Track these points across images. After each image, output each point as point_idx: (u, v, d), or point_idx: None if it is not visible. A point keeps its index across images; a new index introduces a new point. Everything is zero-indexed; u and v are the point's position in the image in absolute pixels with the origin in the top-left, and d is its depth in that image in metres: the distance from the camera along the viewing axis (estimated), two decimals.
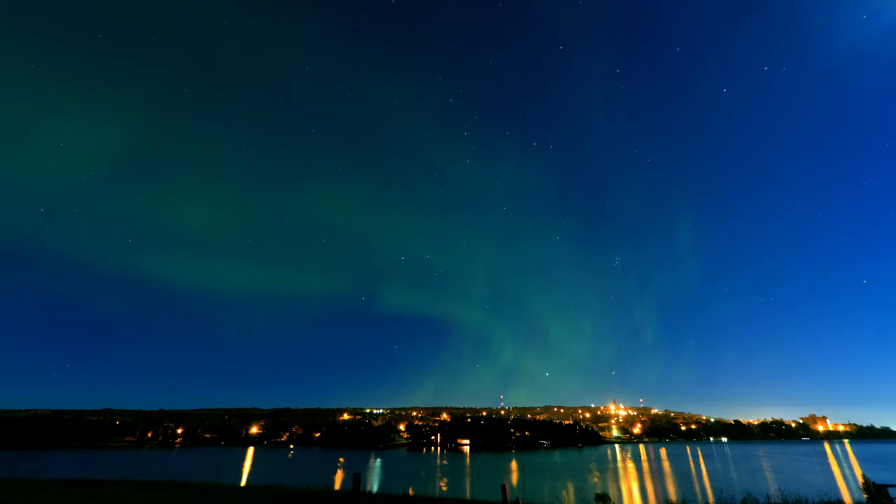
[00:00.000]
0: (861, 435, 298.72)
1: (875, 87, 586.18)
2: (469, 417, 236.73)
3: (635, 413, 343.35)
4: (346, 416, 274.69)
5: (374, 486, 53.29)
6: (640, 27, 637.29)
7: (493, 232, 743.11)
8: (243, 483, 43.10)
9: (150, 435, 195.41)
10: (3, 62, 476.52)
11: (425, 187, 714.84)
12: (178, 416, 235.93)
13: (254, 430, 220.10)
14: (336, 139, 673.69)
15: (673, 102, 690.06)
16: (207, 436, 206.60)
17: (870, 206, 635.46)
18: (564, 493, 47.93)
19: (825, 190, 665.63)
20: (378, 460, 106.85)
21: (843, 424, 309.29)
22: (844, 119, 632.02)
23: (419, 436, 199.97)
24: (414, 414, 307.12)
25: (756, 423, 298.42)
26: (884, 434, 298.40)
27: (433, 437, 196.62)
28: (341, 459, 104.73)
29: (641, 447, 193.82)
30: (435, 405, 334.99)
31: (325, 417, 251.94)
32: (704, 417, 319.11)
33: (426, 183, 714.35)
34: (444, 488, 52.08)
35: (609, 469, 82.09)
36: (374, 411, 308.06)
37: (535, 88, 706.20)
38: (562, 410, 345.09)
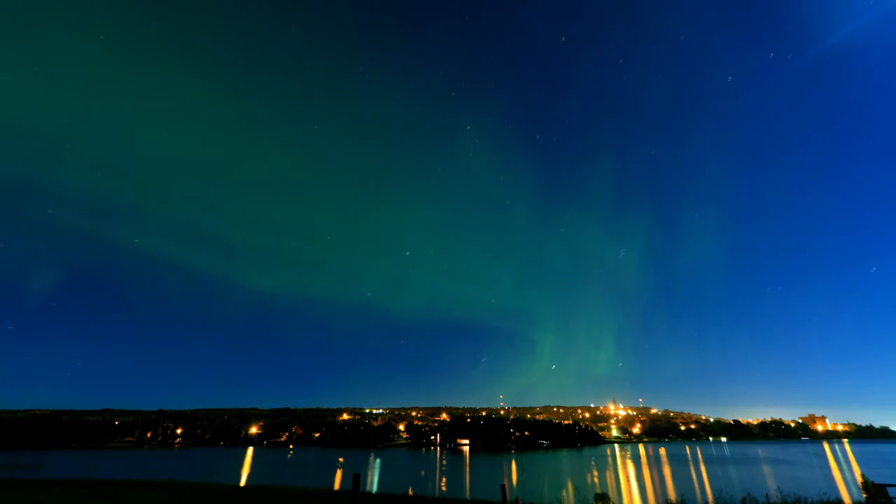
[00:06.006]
0: (860, 435, 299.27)
1: (884, 73, 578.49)
2: (469, 417, 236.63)
3: (635, 413, 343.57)
4: (345, 416, 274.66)
5: (374, 486, 53.29)
6: (642, 17, 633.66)
7: (496, 227, 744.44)
8: (243, 483, 43.08)
9: (149, 435, 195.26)
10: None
11: (428, 182, 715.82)
12: (178, 417, 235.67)
13: (253, 430, 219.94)
14: (337, 135, 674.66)
15: (677, 92, 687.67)
16: (207, 436, 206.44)
17: (878, 196, 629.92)
18: (564, 493, 47.93)
19: (832, 181, 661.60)
20: (378, 460, 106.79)
21: (842, 424, 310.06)
22: (852, 105, 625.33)
23: (419, 436, 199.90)
24: (413, 414, 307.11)
25: (755, 422, 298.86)
26: (883, 434, 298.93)
27: (433, 437, 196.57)
28: (341, 459, 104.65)
29: (641, 447, 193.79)
30: (434, 405, 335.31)
31: (325, 417, 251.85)
32: (704, 417, 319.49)
33: (429, 178, 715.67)
34: (444, 488, 52.09)
35: (609, 469, 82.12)
36: (374, 411, 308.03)
37: (538, 81, 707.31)
38: (561, 410, 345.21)
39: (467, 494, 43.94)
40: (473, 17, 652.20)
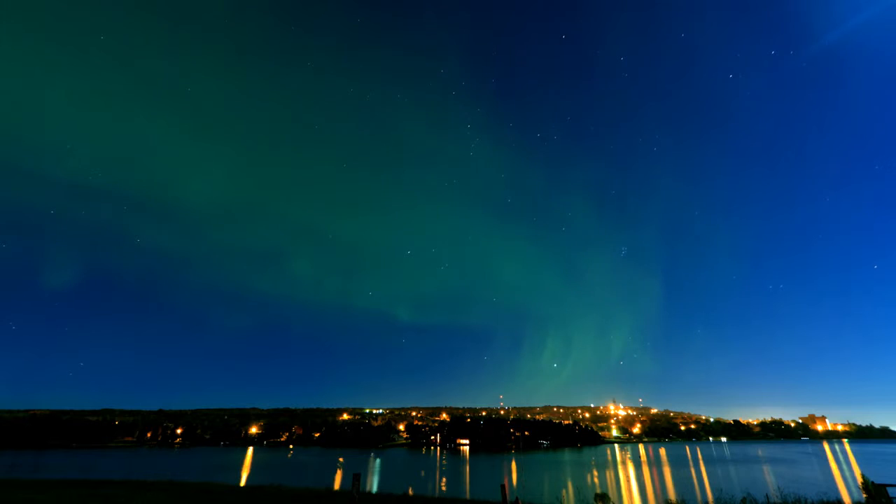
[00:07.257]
0: (860, 435, 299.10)
1: (885, 70, 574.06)
2: (469, 417, 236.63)
3: (635, 413, 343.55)
4: (345, 416, 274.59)
5: (374, 486, 53.29)
6: (643, 14, 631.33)
7: (497, 225, 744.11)
8: (243, 483, 43.10)
9: (149, 435, 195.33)
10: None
11: (428, 181, 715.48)
12: (178, 417, 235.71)
13: (253, 430, 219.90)
14: (337, 135, 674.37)
15: (678, 90, 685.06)
16: (207, 436, 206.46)
17: (880, 193, 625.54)
18: (564, 492, 47.95)
19: (833, 178, 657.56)
20: (378, 460, 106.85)
21: (842, 424, 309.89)
22: (853, 103, 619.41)
23: (419, 436, 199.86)
24: (413, 414, 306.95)
25: (755, 422, 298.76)
26: (883, 434, 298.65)
27: (433, 437, 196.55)
28: (341, 459, 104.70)
29: (641, 447, 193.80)
30: (434, 405, 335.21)
31: (325, 417, 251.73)
32: (704, 417, 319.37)
33: (429, 177, 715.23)
34: (444, 488, 52.09)
35: (609, 469, 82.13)
36: (374, 411, 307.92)
37: (538, 80, 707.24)
38: (561, 410, 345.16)
39: (467, 494, 43.96)
40: (473, 16, 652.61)
